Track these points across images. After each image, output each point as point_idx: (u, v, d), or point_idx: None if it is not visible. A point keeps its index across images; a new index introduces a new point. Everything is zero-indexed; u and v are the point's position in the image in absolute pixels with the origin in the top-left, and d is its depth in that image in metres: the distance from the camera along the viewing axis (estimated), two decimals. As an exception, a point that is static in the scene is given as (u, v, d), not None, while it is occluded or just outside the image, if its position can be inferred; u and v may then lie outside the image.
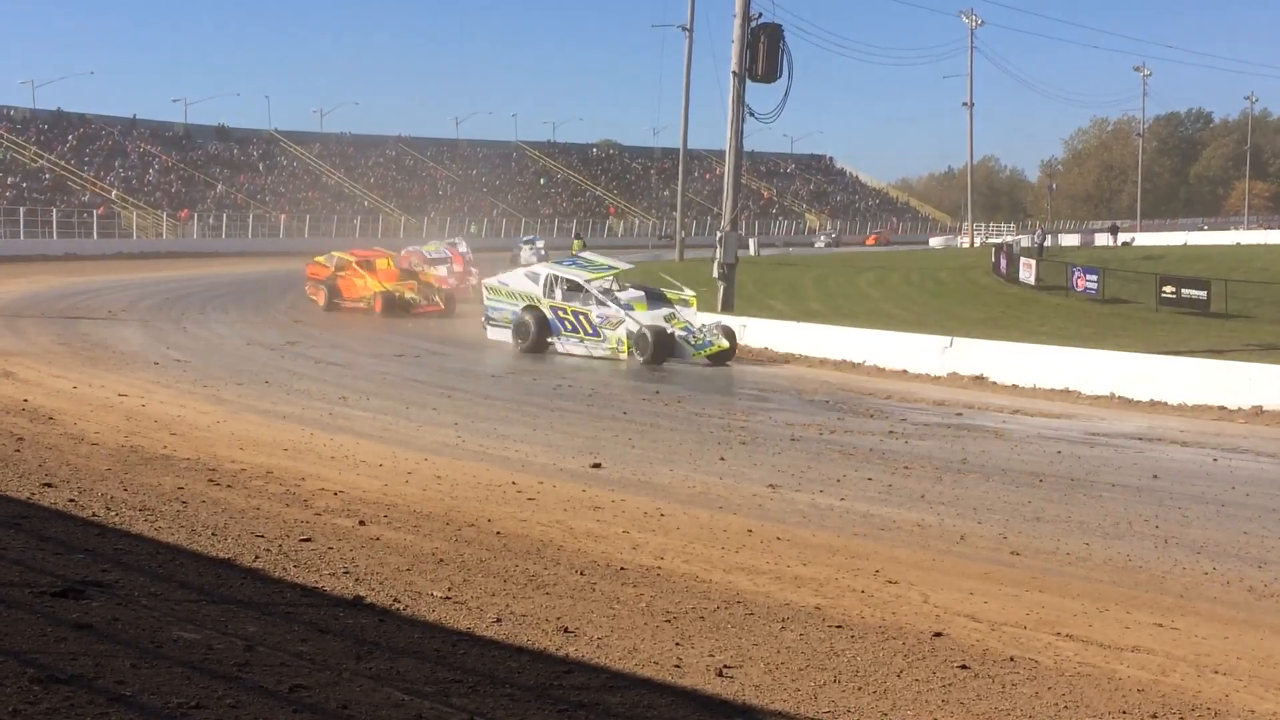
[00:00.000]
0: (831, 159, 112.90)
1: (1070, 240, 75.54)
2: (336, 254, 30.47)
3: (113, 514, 7.89)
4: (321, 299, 28.62)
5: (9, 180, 56.37)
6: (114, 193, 59.28)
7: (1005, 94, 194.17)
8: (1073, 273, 36.48)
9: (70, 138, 63.97)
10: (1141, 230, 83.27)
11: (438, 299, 27.94)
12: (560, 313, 21.12)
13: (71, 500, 8.22)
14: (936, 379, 18.64)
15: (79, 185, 59.09)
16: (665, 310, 20.76)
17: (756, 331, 22.65)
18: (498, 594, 6.63)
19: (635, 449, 11.72)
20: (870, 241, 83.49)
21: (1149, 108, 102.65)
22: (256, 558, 7.05)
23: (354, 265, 29.00)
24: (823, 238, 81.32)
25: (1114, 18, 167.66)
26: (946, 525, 8.91)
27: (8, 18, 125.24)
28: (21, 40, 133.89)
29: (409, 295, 27.74)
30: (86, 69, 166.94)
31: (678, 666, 5.61)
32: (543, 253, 52.46)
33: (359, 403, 14.03)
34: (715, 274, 25.33)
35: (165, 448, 10.49)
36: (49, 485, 8.62)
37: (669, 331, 20.11)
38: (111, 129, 67.39)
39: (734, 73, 23.15)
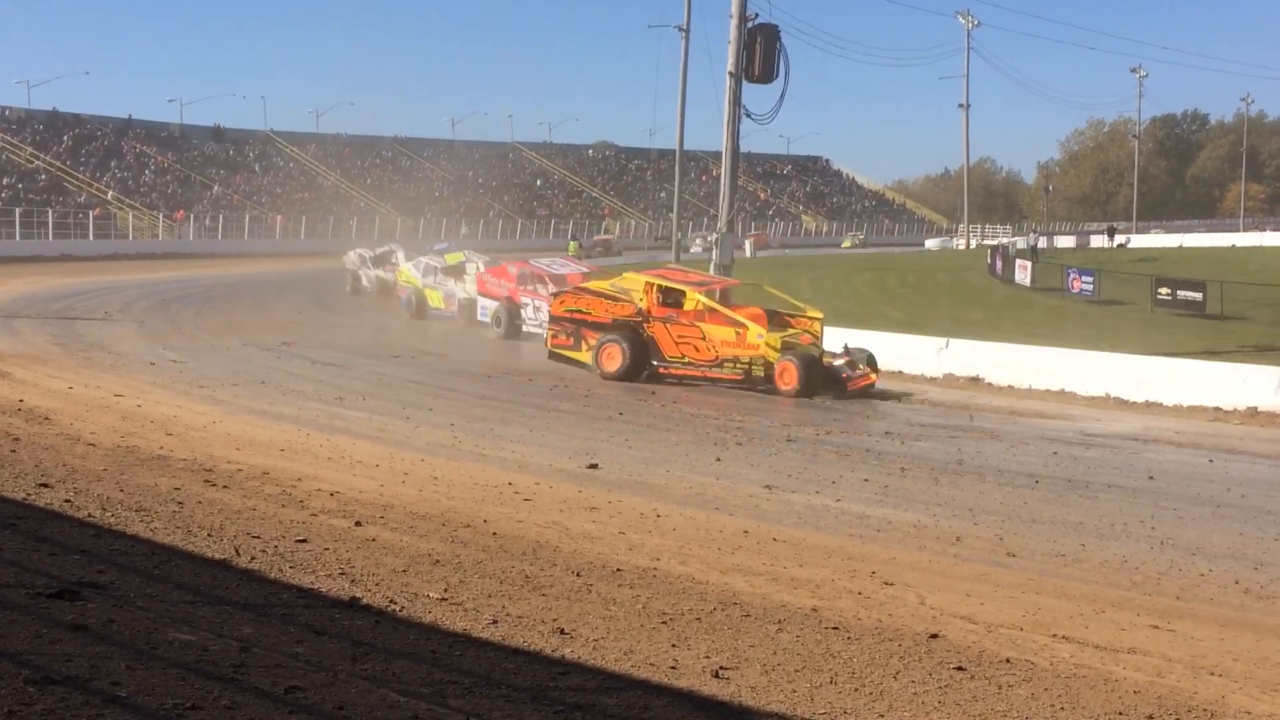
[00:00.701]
0: (828, 160, 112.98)
1: (1066, 242, 75.58)
2: (632, 274, 18.98)
3: (109, 515, 7.88)
4: (614, 361, 17.38)
5: (4, 181, 56.29)
6: (110, 193, 59.22)
7: (1002, 95, 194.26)
8: (1068, 274, 36.51)
9: (66, 138, 63.90)
10: (1137, 232, 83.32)
11: (863, 365, 17.02)
12: None
13: (67, 501, 8.21)
14: (933, 380, 18.66)
15: (75, 186, 59.03)
16: None
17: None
18: (494, 595, 6.62)
19: (632, 450, 11.72)
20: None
21: (1145, 109, 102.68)
22: (252, 559, 7.04)
23: (689, 295, 17.81)
24: (699, 241, 70.24)
25: (1110, 19, 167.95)
26: (943, 526, 8.91)
27: (3, 18, 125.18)
28: (17, 40, 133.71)
29: (834, 361, 16.90)
30: (82, 69, 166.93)
31: (674, 668, 5.61)
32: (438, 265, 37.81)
33: (355, 403, 14.02)
34: (712, 274, 25.30)
35: (161, 448, 10.48)
36: (45, 486, 8.61)
37: None
38: (107, 129, 67.34)
39: (730, 73, 23.13)
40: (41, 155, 60.44)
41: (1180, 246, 66.35)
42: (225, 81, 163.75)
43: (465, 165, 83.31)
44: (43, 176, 58.49)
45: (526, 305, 23.82)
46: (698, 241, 68.76)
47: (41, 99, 71.25)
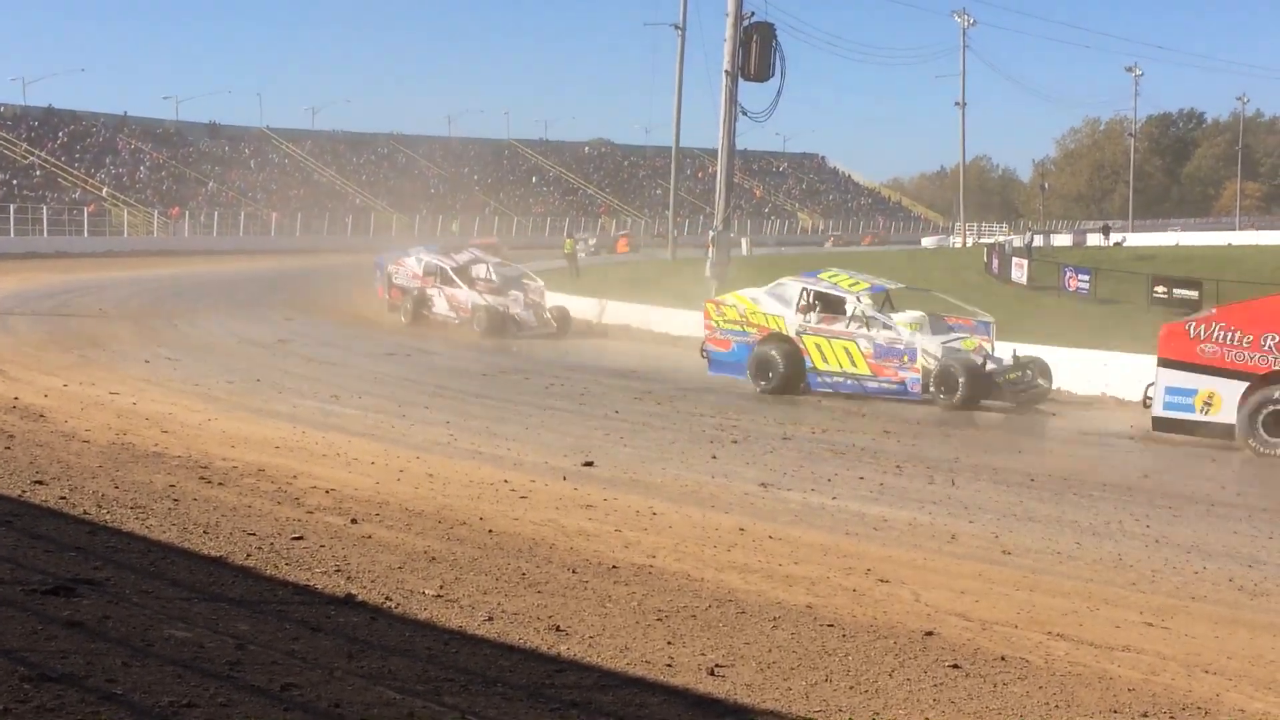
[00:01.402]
0: (824, 158, 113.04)
1: (1062, 240, 75.63)
2: None
3: (104, 512, 7.87)
4: None
5: (-1, 177, 56.27)
6: (105, 190, 59.13)
7: (997, 94, 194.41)
8: (1065, 272, 36.51)
9: (61, 134, 63.80)
10: (1133, 230, 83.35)
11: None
12: None
13: (63, 498, 8.20)
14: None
15: (69, 182, 58.93)
16: None
17: (749, 330, 22.60)
18: (490, 592, 6.62)
19: (627, 448, 11.71)
20: (621, 248, 67.36)
21: (1141, 107, 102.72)
22: (248, 556, 7.04)
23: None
24: (582, 246, 61.10)
25: (1106, 18, 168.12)
26: (938, 524, 8.92)
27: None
28: (13, 37, 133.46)
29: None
30: (78, 66, 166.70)
31: (669, 665, 5.61)
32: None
33: (351, 400, 14.01)
34: (708, 273, 25.29)
35: (157, 445, 10.47)
36: (40, 483, 8.60)
37: None
38: (102, 126, 67.22)
39: (726, 71, 23.14)
40: (36, 151, 60.34)
41: (1176, 245, 66.33)
42: (221, 78, 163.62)
43: (461, 162, 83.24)
44: (37, 173, 58.40)
45: None
46: (581, 248, 53.42)
47: (37, 95, 71.58)
